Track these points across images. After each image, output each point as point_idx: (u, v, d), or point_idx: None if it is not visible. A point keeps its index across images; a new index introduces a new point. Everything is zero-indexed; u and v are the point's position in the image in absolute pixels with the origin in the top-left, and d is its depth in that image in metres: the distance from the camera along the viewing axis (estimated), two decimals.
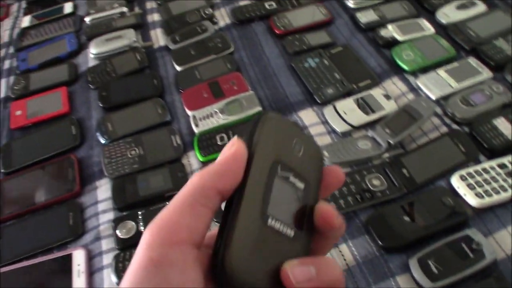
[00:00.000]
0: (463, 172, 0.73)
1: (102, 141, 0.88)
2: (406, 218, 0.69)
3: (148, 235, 0.27)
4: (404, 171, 0.75)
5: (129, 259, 0.69)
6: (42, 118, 0.95)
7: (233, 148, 0.29)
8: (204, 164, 0.81)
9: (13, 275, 0.73)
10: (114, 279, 0.68)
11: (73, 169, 0.84)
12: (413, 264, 0.64)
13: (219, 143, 0.82)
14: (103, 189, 0.81)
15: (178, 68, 0.99)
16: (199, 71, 0.97)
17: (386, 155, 0.78)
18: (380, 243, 0.67)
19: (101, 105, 0.94)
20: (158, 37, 1.09)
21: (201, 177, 0.28)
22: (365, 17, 1.02)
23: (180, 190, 0.29)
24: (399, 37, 0.96)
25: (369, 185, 0.73)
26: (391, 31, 0.98)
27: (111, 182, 0.81)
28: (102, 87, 0.97)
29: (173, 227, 0.27)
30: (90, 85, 1.00)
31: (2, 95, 1.04)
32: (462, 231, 0.66)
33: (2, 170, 0.87)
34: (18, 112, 0.96)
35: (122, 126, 0.89)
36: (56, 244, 0.75)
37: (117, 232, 0.73)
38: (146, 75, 1.00)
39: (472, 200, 0.70)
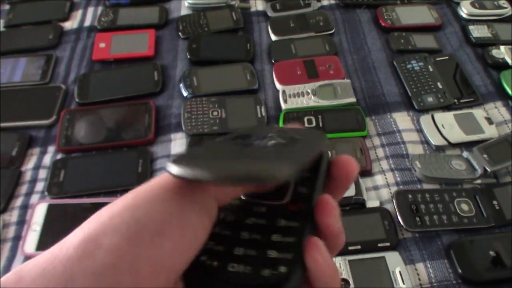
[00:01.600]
0: None
1: (185, 94, 0.84)
2: (492, 253, 0.64)
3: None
4: (495, 203, 0.70)
5: None
6: (125, 56, 0.92)
7: None
8: None
9: (71, 209, 0.71)
10: None
11: (150, 115, 0.81)
12: None
13: (306, 125, 0.78)
14: (178, 143, 0.78)
15: (274, 38, 0.95)
16: (295, 45, 0.92)
17: (479, 181, 0.73)
18: (459, 271, 0.63)
19: (188, 56, 0.91)
20: (256, 1, 1.05)
21: None
22: (477, 32, 0.95)
23: None
24: (510, 61, 0.90)
25: (457, 208, 0.69)
26: (503, 52, 0.91)
27: (188, 139, 0.78)
28: (192, 38, 0.93)
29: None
30: (180, 34, 0.96)
31: (87, 23, 1.01)
32: None
33: (77, 100, 0.85)
34: (102, 45, 0.93)
35: (207, 84, 0.85)
36: (121, 188, 0.72)
37: None
38: (239, 37, 0.95)
39: None
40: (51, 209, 0.70)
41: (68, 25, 1.01)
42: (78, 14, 1.04)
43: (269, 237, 0.27)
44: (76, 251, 0.22)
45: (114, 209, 0.24)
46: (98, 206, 0.71)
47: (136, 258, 0.22)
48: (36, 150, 0.79)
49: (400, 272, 0.62)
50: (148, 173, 0.74)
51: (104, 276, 0.21)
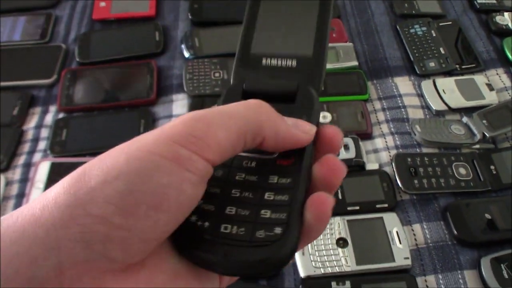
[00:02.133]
0: None
1: (186, 55, 0.84)
2: (488, 216, 0.66)
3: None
4: (492, 167, 0.71)
5: None
6: (126, 16, 0.91)
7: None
8: None
9: (74, 167, 0.71)
10: None
11: (151, 76, 0.80)
12: (485, 263, 0.61)
13: None
14: (179, 104, 0.78)
15: None
16: None
17: (477, 146, 0.74)
18: (455, 232, 0.64)
19: (190, 17, 0.90)
20: None
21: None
22: None
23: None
24: None
25: (455, 172, 0.70)
26: (507, 19, 0.90)
27: (189, 100, 0.78)
28: None
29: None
30: None
31: None
32: None
33: (77, 59, 0.84)
34: (102, 4, 0.92)
35: (209, 45, 0.84)
36: None
37: None
38: None
39: None
40: (54, 167, 0.70)
41: None
42: None
43: (262, 195, 0.25)
44: (61, 214, 0.20)
45: (106, 173, 0.21)
46: None
47: (129, 231, 0.20)
48: (37, 110, 0.79)
49: (397, 232, 0.63)
50: None
51: (92, 245, 0.20)
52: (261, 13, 0.31)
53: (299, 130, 0.26)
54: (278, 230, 0.23)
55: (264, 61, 0.30)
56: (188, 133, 0.22)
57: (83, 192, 0.20)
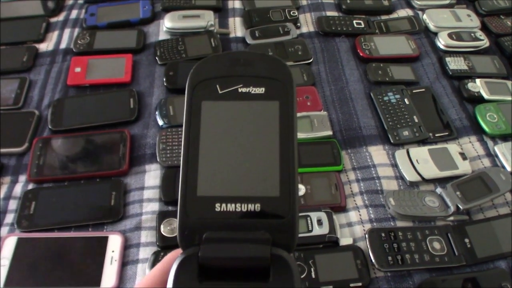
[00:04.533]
0: None
1: (160, 123, 0.83)
2: None
3: None
4: (467, 240, 0.71)
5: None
6: (101, 82, 0.91)
7: None
8: None
9: (42, 243, 0.69)
10: None
11: (124, 145, 0.79)
12: None
13: None
14: (152, 175, 0.77)
15: None
16: None
17: (451, 218, 0.74)
18: None
19: (165, 84, 0.90)
20: (236, 27, 1.04)
21: None
22: (454, 63, 0.96)
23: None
24: (485, 95, 0.91)
25: (429, 247, 0.69)
26: (478, 86, 0.92)
27: (162, 171, 0.77)
28: (170, 65, 0.92)
29: None
30: (157, 60, 0.95)
31: (63, 45, 1.00)
32: None
33: (49, 127, 0.83)
34: (78, 69, 0.92)
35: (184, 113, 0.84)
36: (92, 221, 0.71)
37: (161, 227, 0.69)
38: None
39: None
40: (20, 243, 0.68)
41: (44, 46, 0.99)
42: (54, 35, 1.02)
43: None
44: None
45: None
46: (68, 241, 0.69)
47: None
48: (7, 179, 0.77)
49: None
50: (120, 206, 0.72)
51: None
52: (204, 134, 0.25)
53: None
54: None
55: (218, 207, 0.24)
56: None
57: None
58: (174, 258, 0.23)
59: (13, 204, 0.74)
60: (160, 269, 0.25)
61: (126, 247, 0.69)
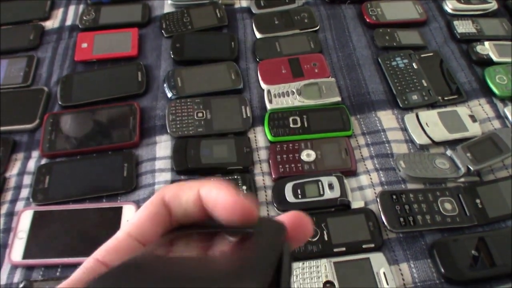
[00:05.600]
0: None
1: (169, 95, 0.83)
2: (475, 253, 0.65)
3: None
4: (478, 201, 0.71)
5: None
6: (108, 57, 0.91)
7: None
8: (272, 143, 0.77)
9: (57, 216, 0.70)
10: None
11: (134, 118, 0.80)
12: None
13: (291, 125, 0.78)
14: (163, 146, 0.78)
15: (258, 35, 0.94)
16: (280, 43, 0.91)
17: (462, 179, 0.74)
18: (442, 271, 0.64)
19: (172, 56, 0.90)
20: None
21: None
22: (462, 27, 0.95)
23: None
24: (494, 58, 0.90)
25: (440, 208, 0.69)
26: (487, 49, 0.91)
27: (173, 141, 0.78)
28: (176, 37, 0.92)
29: None
30: (163, 33, 0.95)
31: (69, 22, 1.00)
32: None
33: (59, 103, 0.84)
34: (84, 45, 0.92)
35: (191, 84, 0.84)
36: (106, 193, 0.72)
37: None
38: (223, 35, 0.94)
39: None
40: (36, 216, 0.69)
41: (49, 24, 0.99)
42: (59, 12, 1.02)
43: None
44: None
45: None
46: (83, 213, 0.70)
47: None
48: (20, 155, 0.78)
49: (384, 273, 0.62)
50: (133, 177, 0.73)
51: None
52: None
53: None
54: None
55: None
56: None
57: None
58: None
59: (27, 179, 0.75)
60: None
61: None
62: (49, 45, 0.95)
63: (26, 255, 0.66)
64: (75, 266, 0.33)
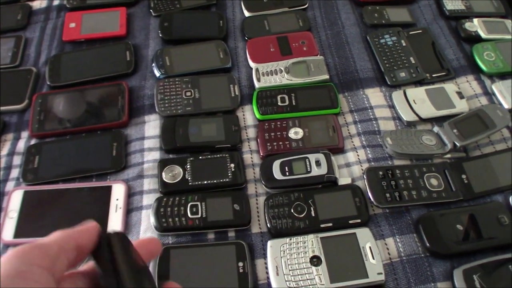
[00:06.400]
0: None
1: (157, 74, 0.83)
2: (459, 227, 0.66)
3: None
4: (464, 177, 0.72)
5: (171, 206, 0.66)
6: (96, 36, 0.91)
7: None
8: (261, 121, 0.78)
9: (47, 195, 0.71)
10: (153, 222, 0.65)
11: (123, 97, 0.80)
12: (458, 275, 0.62)
13: (279, 103, 0.78)
14: (152, 125, 0.78)
15: (247, 14, 0.94)
16: (269, 21, 0.91)
17: (448, 155, 0.75)
18: (428, 245, 0.65)
19: (160, 35, 0.89)
20: None
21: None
22: (451, 4, 0.95)
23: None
24: (483, 35, 0.90)
25: (426, 183, 0.70)
26: (476, 25, 0.91)
27: (161, 120, 0.78)
28: (164, 16, 0.91)
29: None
30: (152, 12, 0.94)
31: (56, 2, 0.99)
32: None
33: (48, 83, 0.84)
34: (72, 25, 0.92)
35: (180, 63, 0.84)
36: (96, 172, 0.73)
37: (163, 174, 0.70)
38: (212, 13, 0.94)
39: None
40: (27, 196, 0.70)
41: (37, 4, 0.99)
42: None
43: None
44: None
45: None
46: (73, 192, 0.71)
47: None
48: (9, 136, 0.79)
49: (370, 247, 0.63)
50: (122, 156, 0.74)
51: None
52: None
53: None
54: None
55: None
56: None
57: None
58: None
59: (17, 160, 0.76)
60: None
61: (130, 195, 0.71)
62: (37, 25, 0.94)
63: (17, 234, 0.66)
64: None
